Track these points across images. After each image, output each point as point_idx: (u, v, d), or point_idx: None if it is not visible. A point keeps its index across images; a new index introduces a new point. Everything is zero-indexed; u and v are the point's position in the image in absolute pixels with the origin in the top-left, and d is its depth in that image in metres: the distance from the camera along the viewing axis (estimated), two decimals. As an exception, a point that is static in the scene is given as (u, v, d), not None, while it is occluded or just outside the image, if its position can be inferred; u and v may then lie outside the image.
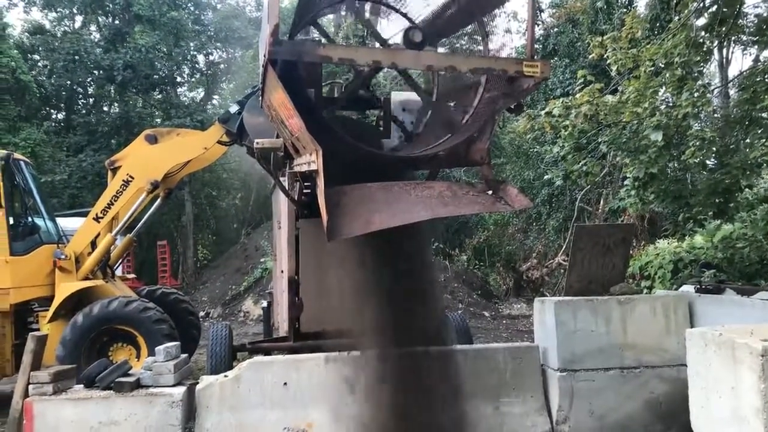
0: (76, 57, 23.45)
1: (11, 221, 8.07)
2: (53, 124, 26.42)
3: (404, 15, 5.55)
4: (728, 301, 5.79)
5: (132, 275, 13.49)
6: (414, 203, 4.07)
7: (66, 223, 10.17)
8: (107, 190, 8.44)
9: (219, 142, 8.42)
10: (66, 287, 7.78)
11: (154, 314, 7.44)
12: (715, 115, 10.50)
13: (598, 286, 6.31)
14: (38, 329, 7.74)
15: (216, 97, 32.15)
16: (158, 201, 9.11)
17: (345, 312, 5.16)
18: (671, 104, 8.55)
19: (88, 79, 25.68)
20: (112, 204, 8.33)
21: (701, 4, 8.30)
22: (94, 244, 8.38)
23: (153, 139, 8.45)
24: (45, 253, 8.14)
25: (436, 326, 5.13)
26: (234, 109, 8.24)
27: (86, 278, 8.12)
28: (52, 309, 7.68)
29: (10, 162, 8.15)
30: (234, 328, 11.06)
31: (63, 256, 8.07)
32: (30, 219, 8.39)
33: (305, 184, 5.84)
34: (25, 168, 8.59)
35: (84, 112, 26.39)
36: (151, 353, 6.56)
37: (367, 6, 5.84)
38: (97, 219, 8.34)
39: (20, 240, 8.07)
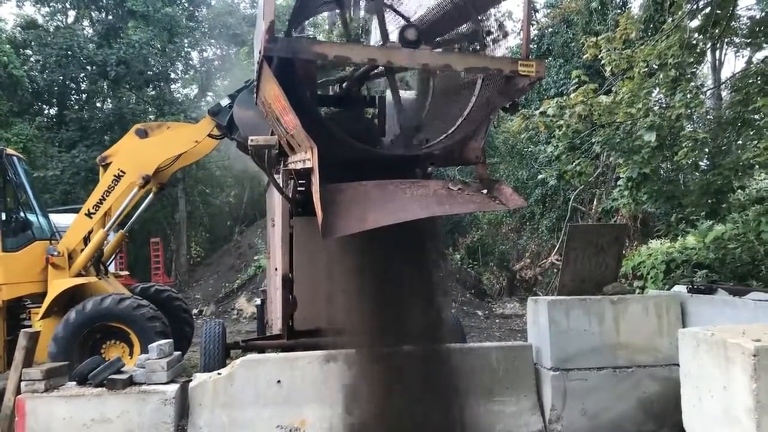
0: (69, 52, 23.25)
1: (3, 217, 8.03)
2: (46, 119, 26.24)
3: (400, 14, 5.56)
4: (720, 301, 5.80)
5: (125, 272, 13.43)
6: (409, 202, 4.07)
7: (59, 219, 10.12)
8: (99, 186, 8.40)
9: (210, 135, 8.37)
10: (58, 284, 7.74)
11: (147, 311, 7.41)
12: (708, 117, 10.58)
13: (591, 285, 6.31)
14: (30, 326, 7.70)
15: (210, 93, 31.97)
16: (150, 196, 9.05)
17: (339, 310, 5.16)
18: (665, 105, 8.60)
19: (81, 75, 25.46)
20: (104, 199, 8.29)
21: (695, 6, 8.34)
22: (86, 241, 8.33)
23: (143, 134, 8.40)
24: (38, 250, 8.09)
25: (431, 325, 5.13)
26: (225, 102, 8.21)
27: (79, 275, 8.09)
28: (44, 305, 7.64)
29: (2, 157, 8.11)
30: (227, 326, 11.05)
31: (56, 253, 8.02)
32: (22, 215, 8.32)
33: (300, 181, 5.84)
34: (17, 163, 8.53)
35: (77, 107, 26.18)
36: (144, 350, 6.55)
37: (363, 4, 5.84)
38: (89, 215, 8.30)
39: (13, 236, 8.01)
